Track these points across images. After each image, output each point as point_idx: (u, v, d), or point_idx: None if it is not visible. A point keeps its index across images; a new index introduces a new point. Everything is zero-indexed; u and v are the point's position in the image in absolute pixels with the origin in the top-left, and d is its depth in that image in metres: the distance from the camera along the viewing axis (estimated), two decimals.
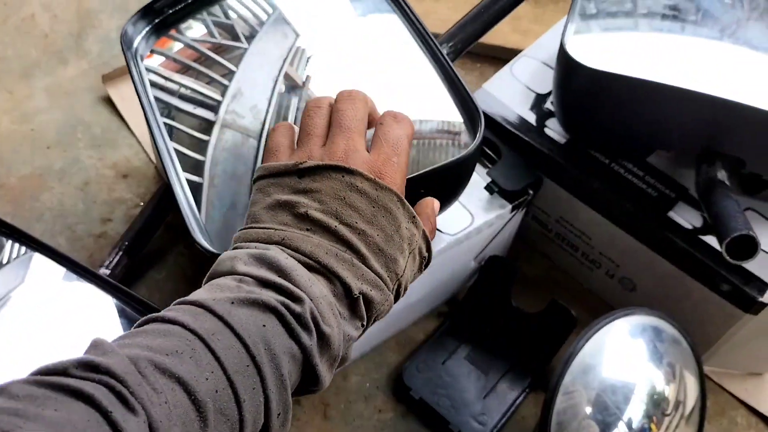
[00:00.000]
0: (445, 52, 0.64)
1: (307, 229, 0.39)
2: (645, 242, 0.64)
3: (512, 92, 0.71)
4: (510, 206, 0.62)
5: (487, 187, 0.63)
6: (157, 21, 0.62)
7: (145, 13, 0.60)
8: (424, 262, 0.44)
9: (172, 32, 0.62)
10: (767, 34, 0.64)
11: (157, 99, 0.57)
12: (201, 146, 0.53)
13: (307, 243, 0.39)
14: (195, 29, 0.63)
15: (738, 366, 0.69)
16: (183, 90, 0.57)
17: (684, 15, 0.66)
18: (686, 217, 0.63)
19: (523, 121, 0.68)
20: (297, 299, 0.36)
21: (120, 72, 0.86)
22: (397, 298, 0.42)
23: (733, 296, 0.60)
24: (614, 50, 0.63)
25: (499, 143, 0.66)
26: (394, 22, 0.59)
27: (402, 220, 0.41)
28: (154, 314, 0.35)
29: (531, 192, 0.63)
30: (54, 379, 0.29)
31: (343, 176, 0.40)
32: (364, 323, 0.40)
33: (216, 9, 0.64)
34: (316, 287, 0.37)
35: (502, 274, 0.68)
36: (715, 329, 0.64)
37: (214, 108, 0.56)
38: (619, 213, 0.64)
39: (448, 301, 0.71)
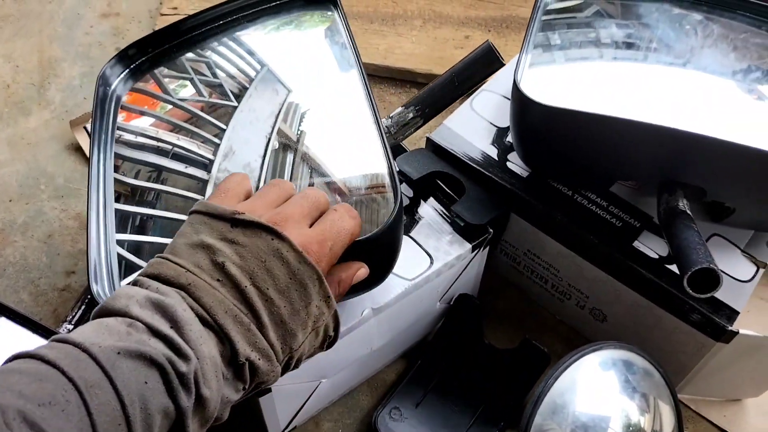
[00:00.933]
0: (410, 116, 0.64)
1: (218, 280, 0.39)
2: (612, 273, 0.63)
3: (473, 127, 0.71)
4: (470, 246, 0.61)
5: (452, 223, 0.63)
6: (133, 66, 0.64)
7: (121, 57, 0.62)
8: (329, 340, 0.45)
9: (159, 92, 0.63)
10: (721, 60, 0.64)
11: (141, 161, 0.58)
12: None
13: (210, 296, 0.38)
14: (184, 90, 0.64)
15: (715, 393, 0.68)
16: (176, 149, 0.58)
17: (639, 44, 0.66)
18: (652, 246, 0.62)
19: (485, 156, 0.68)
20: (184, 356, 0.36)
21: (87, 117, 0.85)
22: (285, 370, 0.42)
23: (702, 325, 0.59)
24: (569, 83, 0.63)
25: (462, 179, 0.66)
26: (356, 81, 0.59)
27: (314, 298, 0.41)
28: (32, 350, 0.34)
29: (491, 230, 0.62)
30: None
31: (272, 239, 0.40)
32: (246, 387, 0.40)
33: (202, 67, 0.66)
34: (206, 346, 0.37)
35: (472, 312, 0.67)
36: (688, 358, 0.63)
37: (207, 167, 0.56)
38: (584, 245, 0.63)
39: (420, 342, 0.70)
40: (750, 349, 0.60)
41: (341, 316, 0.47)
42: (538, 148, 0.62)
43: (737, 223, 0.63)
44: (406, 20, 0.97)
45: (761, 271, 0.62)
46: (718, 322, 0.58)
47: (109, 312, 0.37)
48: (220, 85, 0.63)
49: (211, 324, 0.38)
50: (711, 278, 0.50)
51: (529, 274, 0.72)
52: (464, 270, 0.64)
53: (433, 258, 0.60)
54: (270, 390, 0.55)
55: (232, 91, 0.64)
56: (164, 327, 0.36)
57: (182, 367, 0.35)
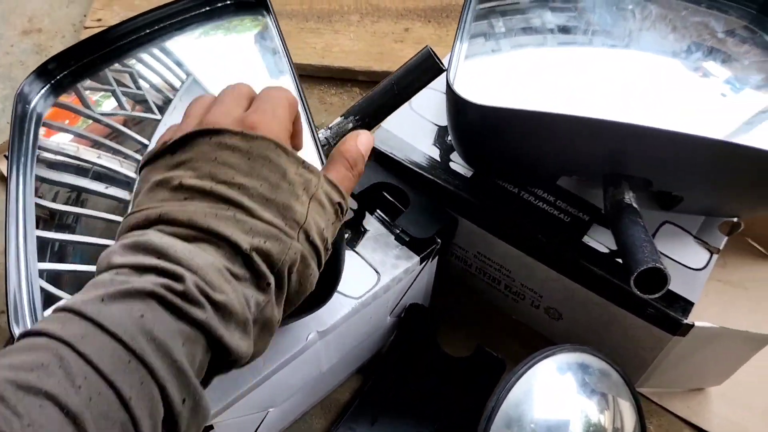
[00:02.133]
0: (350, 126, 0.61)
1: (185, 198, 0.37)
2: (562, 272, 0.61)
3: (414, 128, 0.68)
4: (418, 258, 0.59)
5: (397, 238, 0.60)
6: (53, 81, 0.60)
7: (41, 73, 0.58)
8: (341, 209, 0.41)
9: (79, 107, 0.60)
10: (661, 42, 0.62)
11: (59, 182, 0.54)
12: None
13: (183, 213, 0.36)
14: (107, 102, 0.61)
15: (678, 384, 0.67)
16: (97, 168, 0.54)
17: (578, 30, 0.63)
18: (602, 240, 0.60)
19: (427, 158, 0.65)
20: (177, 276, 0.33)
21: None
22: (317, 253, 0.39)
23: (658, 320, 0.57)
24: (507, 75, 0.60)
25: (406, 189, 0.63)
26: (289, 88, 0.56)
27: (287, 166, 0.38)
28: (24, 331, 0.32)
29: (439, 241, 0.60)
30: None
31: (210, 138, 0.38)
32: (270, 282, 0.37)
33: (126, 78, 0.62)
34: (200, 257, 0.35)
35: (424, 322, 0.64)
36: (647, 352, 0.61)
37: (130, 186, 0.53)
38: (533, 244, 0.61)
39: (373, 357, 0.67)
40: (708, 340, 0.58)
41: (282, 342, 0.44)
42: (478, 149, 0.60)
43: (687, 210, 0.61)
44: (343, 16, 0.94)
45: (714, 256, 0.61)
46: (673, 316, 0.56)
47: (97, 275, 0.35)
48: (144, 98, 0.60)
49: (197, 236, 0.36)
50: (658, 277, 0.47)
51: (482, 276, 0.69)
52: (413, 282, 0.61)
53: (380, 273, 0.58)
54: (212, 427, 0.52)
55: (155, 103, 0.61)
56: (148, 259, 0.34)
57: (179, 287, 0.33)
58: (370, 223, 0.61)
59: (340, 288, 0.55)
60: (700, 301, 0.62)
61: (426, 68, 0.56)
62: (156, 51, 0.68)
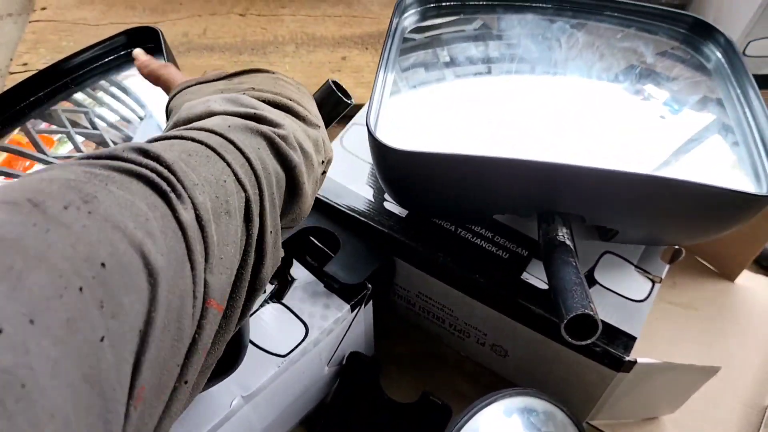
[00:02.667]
0: None
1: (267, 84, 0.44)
2: (503, 311, 0.59)
3: (345, 167, 0.66)
4: (348, 306, 0.56)
5: (326, 285, 0.58)
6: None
7: None
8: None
9: (32, 151, 0.61)
10: (589, 70, 0.61)
11: None
12: None
13: (273, 85, 0.43)
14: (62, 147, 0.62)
15: (630, 415, 0.65)
16: None
17: (501, 63, 0.62)
18: (541, 276, 0.58)
19: (360, 199, 0.63)
20: (278, 125, 0.39)
21: None
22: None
23: (600, 357, 0.56)
24: (431, 112, 0.58)
25: (336, 231, 0.61)
26: None
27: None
28: (153, 137, 0.35)
29: (369, 286, 0.58)
30: (111, 162, 0.28)
31: (266, 73, 0.46)
32: (323, 161, 0.44)
33: (82, 119, 0.63)
34: (288, 119, 0.41)
35: (366, 369, 0.62)
36: (594, 388, 0.60)
37: None
38: (471, 284, 0.59)
39: (317, 407, 0.65)
40: (654, 374, 0.57)
41: (204, 411, 0.42)
42: (406, 192, 0.58)
43: (626, 240, 0.59)
44: (278, 47, 0.91)
45: (657, 286, 0.59)
46: (615, 354, 0.54)
47: (189, 120, 0.39)
48: (101, 138, 0.60)
49: (281, 103, 0.42)
50: (588, 323, 0.46)
51: (426, 314, 0.67)
52: (348, 330, 0.59)
53: (308, 326, 0.55)
54: None
55: (113, 141, 0.62)
56: (251, 111, 0.39)
57: (282, 131, 0.38)
58: (297, 272, 0.59)
59: (264, 345, 0.53)
60: (651, 326, 0.60)
61: (332, 102, 0.54)
62: (91, 90, 0.68)
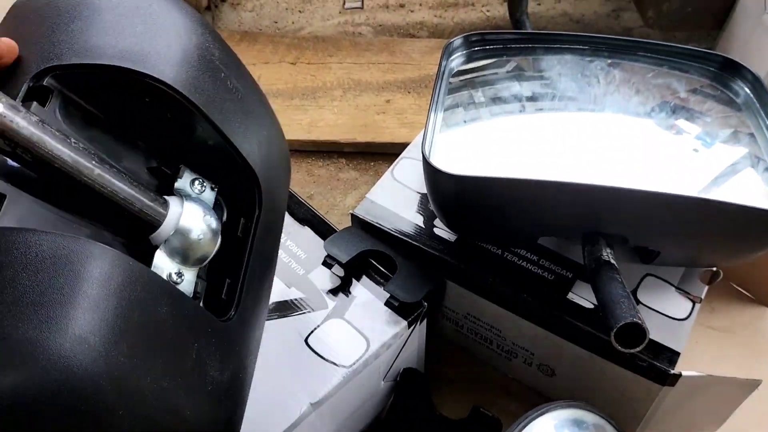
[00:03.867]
0: None
1: None
2: (550, 329, 0.62)
3: (396, 197, 0.70)
4: (406, 322, 0.60)
5: (387, 303, 0.62)
6: None
7: None
8: None
9: None
10: (625, 105, 0.65)
11: None
12: None
13: None
14: None
15: (678, 431, 0.67)
16: None
17: (544, 100, 0.67)
18: (586, 296, 0.62)
19: (411, 226, 0.67)
20: None
21: None
22: None
23: (646, 371, 0.59)
24: (482, 144, 0.63)
25: (392, 255, 0.65)
26: None
27: None
28: None
29: (425, 304, 0.61)
30: None
31: None
32: None
33: None
34: None
35: (419, 386, 0.65)
36: (640, 404, 0.62)
37: None
38: (519, 304, 0.63)
39: (373, 422, 0.68)
40: (698, 388, 0.60)
41: (274, 417, 0.45)
42: (458, 216, 0.62)
43: (666, 262, 0.63)
44: (326, 92, 0.98)
45: (697, 306, 0.62)
46: (660, 367, 0.57)
47: None
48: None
49: None
50: (637, 332, 0.49)
51: (474, 336, 0.71)
52: (404, 346, 0.62)
53: (369, 340, 0.59)
54: None
55: None
56: None
57: None
58: (358, 289, 0.63)
59: (329, 357, 0.57)
60: (691, 350, 0.63)
61: None
62: None
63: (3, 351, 0.31)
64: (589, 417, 0.59)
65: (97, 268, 0.34)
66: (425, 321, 0.64)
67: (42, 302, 0.32)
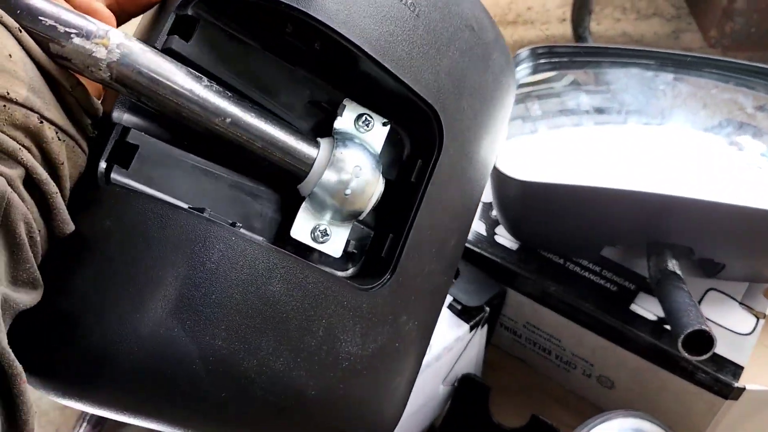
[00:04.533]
0: None
1: None
2: (612, 339, 0.63)
3: None
4: (468, 326, 0.61)
5: (450, 306, 0.63)
6: None
7: None
8: (91, 110, 0.33)
9: None
10: (692, 119, 0.66)
11: None
12: None
13: None
14: None
15: None
16: None
17: (610, 112, 0.67)
18: (649, 308, 0.62)
19: (473, 233, 0.69)
20: None
21: None
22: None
23: (709, 384, 0.58)
24: (548, 153, 0.64)
25: None
26: None
27: None
28: None
29: (487, 309, 0.62)
30: None
31: None
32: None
33: None
34: None
35: (477, 393, 0.66)
36: (701, 418, 0.62)
37: None
38: (581, 313, 0.63)
39: (428, 429, 0.69)
40: (762, 403, 0.59)
41: None
42: (523, 222, 0.63)
43: (731, 276, 0.62)
44: None
45: (761, 321, 0.62)
46: (724, 380, 0.57)
47: None
48: None
49: None
50: (704, 339, 0.49)
51: (532, 346, 0.71)
52: (464, 350, 0.63)
53: (431, 342, 0.60)
54: None
55: None
56: None
57: None
58: None
59: None
60: (752, 367, 0.62)
61: None
62: None
63: (88, 326, 0.31)
64: (650, 427, 0.59)
65: (197, 246, 0.33)
66: (486, 326, 0.65)
67: (134, 280, 0.32)
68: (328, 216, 0.38)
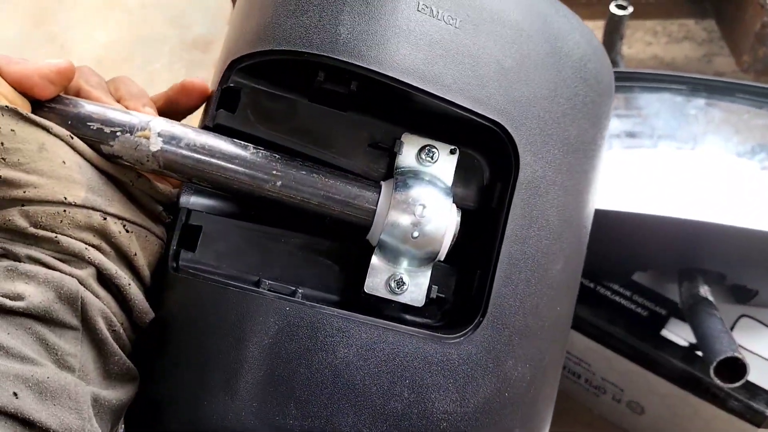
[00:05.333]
0: None
1: None
2: (643, 365, 0.62)
3: None
4: None
5: None
6: None
7: None
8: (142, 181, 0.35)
9: None
10: (725, 144, 0.66)
11: None
12: None
13: None
14: None
15: None
16: None
17: (641, 137, 0.68)
18: (681, 333, 0.62)
19: None
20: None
21: None
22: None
23: (741, 412, 0.58)
24: None
25: None
26: None
27: None
28: None
29: None
30: None
31: None
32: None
33: None
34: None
35: None
36: None
37: None
38: (612, 337, 0.63)
39: None
40: None
41: None
42: None
43: (764, 303, 0.62)
44: None
45: None
46: (756, 408, 0.57)
47: None
48: None
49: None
50: (737, 367, 0.49)
51: (562, 370, 0.71)
52: None
53: None
54: None
55: None
56: None
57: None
58: None
59: None
60: None
61: None
62: None
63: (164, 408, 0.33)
64: None
65: (253, 324, 0.33)
66: None
67: (203, 366, 0.33)
68: (404, 263, 0.36)
